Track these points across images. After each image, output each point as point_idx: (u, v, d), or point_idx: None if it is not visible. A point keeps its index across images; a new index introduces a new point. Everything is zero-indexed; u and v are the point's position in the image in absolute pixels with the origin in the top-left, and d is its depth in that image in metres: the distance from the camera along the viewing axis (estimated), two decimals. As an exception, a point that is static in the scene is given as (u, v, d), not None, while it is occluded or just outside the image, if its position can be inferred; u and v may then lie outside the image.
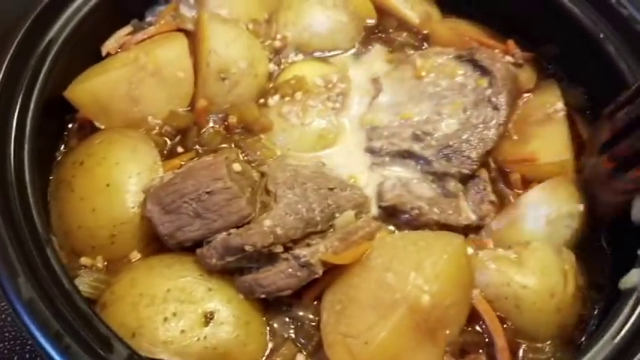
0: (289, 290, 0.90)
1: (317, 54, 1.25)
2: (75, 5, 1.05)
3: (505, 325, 0.92)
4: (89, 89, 1.06)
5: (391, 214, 1.04)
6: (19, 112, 0.90)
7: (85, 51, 1.12)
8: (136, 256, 0.95)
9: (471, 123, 1.10)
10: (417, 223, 1.02)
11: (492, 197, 1.07)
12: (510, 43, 1.25)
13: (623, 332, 0.82)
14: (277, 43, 1.22)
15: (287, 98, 1.14)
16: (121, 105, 1.07)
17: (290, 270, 0.89)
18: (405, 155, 1.10)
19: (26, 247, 0.75)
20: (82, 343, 0.70)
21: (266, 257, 0.90)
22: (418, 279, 0.87)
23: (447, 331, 0.89)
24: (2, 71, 0.89)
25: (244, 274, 0.91)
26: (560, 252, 0.98)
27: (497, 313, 0.92)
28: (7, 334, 1.09)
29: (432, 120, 1.11)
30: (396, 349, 0.85)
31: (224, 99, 1.12)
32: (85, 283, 0.87)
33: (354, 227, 0.97)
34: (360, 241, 0.95)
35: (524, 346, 0.94)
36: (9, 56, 0.90)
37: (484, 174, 1.09)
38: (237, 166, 0.96)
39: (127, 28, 1.21)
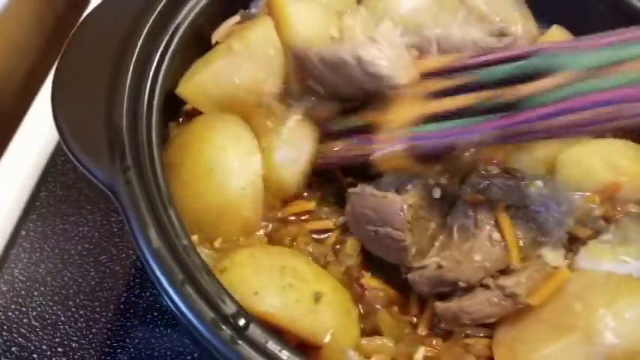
0: (494, 318, 0.92)
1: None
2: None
3: None
4: (197, 83, 1.11)
5: None
6: (149, 91, 0.98)
7: (200, 39, 1.20)
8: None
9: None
10: None
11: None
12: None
13: None
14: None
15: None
16: (225, 92, 1.12)
17: (495, 299, 0.90)
18: None
19: (154, 204, 0.84)
20: (200, 293, 0.77)
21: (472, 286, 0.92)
22: (607, 315, 0.85)
23: None
24: (138, 47, 0.98)
25: (445, 299, 0.94)
26: None
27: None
28: (105, 285, 1.21)
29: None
30: (558, 368, 0.86)
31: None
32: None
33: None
34: (554, 273, 0.92)
35: None
36: (144, 33, 0.99)
37: None
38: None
39: (235, 18, 1.27)
